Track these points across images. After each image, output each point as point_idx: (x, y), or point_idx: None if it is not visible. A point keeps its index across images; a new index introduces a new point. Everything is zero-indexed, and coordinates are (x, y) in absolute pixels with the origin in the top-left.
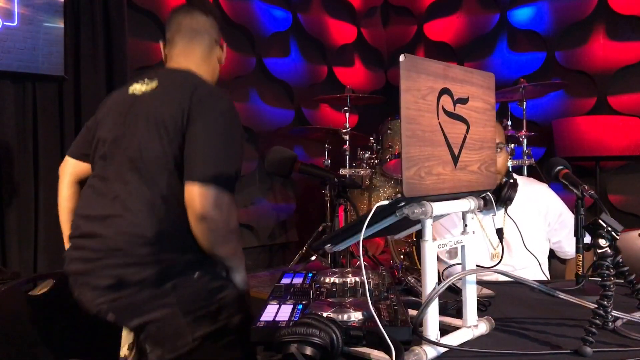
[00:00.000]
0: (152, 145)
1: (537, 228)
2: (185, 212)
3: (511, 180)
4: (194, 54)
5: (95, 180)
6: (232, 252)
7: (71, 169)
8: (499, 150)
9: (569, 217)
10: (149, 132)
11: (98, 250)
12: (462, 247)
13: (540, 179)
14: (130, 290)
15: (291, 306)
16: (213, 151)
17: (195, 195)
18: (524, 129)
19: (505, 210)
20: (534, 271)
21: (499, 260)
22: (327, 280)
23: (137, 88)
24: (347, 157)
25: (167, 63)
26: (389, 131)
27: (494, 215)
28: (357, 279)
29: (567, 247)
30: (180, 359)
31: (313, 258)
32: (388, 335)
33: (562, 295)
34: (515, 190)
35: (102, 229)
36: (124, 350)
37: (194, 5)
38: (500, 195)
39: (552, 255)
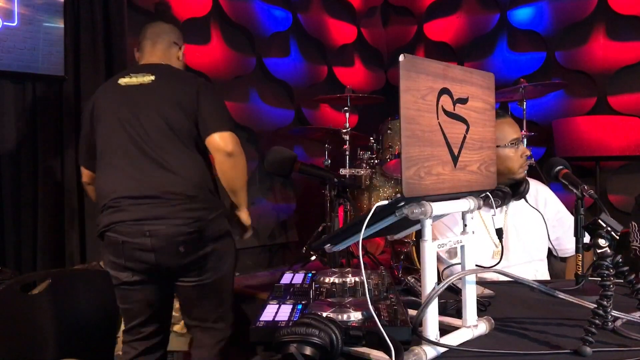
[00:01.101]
0: (177, 119)
1: (537, 225)
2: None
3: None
4: (157, 51)
5: (122, 162)
6: (246, 186)
7: (89, 179)
8: (517, 146)
9: (566, 215)
10: (171, 110)
11: (175, 199)
12: (462, 247)
13: (540, 179)
14: (203, 224)
15: (291, 306)
16: (221, 112)
17: (222, 139)
18: (524, 129)
19: (526, 201)
20: (535, 268)
21: (499, 259)
22: (326, 280)
23: (129, 80)
24: (347, 157)
25: (139, 62)
26: (389, 131)
27: (494, 215)
28: (357, 279)
29: (567, 244)
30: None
31: (313, 258)
32: (388, 335)
33: (561, 295)
34: (528, 184)
35: (167, 187)
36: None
37: (156, 18)
38: (518, 190)
39: (551, 254)
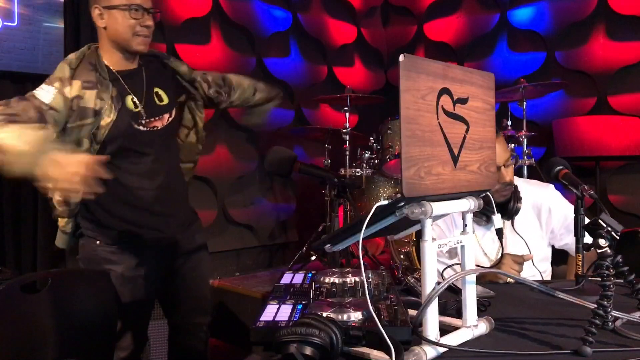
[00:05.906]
0: None
1: (539, 237)
2: None
3: (513, 189)
4: None
5: None
6: None
7: None
8: (506, 166)
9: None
10: None
11: None
12: (462, 247)
13: (540, 179)
14: None
15: (291, 306)
16: None
17: None
18: (524, 129)
19: (512, 224)
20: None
21: (498, 260)
22: (327, 280)
23: None
24: (347, 157)
25: None
26: (389, 131)
27: (494, 215)
28: (357, 279)
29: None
30: None
31: (313, 258)
32: (388, 335)
33: (561, 295)
34: (521, 201)
35: None
36: None
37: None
38: (507, 209)
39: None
